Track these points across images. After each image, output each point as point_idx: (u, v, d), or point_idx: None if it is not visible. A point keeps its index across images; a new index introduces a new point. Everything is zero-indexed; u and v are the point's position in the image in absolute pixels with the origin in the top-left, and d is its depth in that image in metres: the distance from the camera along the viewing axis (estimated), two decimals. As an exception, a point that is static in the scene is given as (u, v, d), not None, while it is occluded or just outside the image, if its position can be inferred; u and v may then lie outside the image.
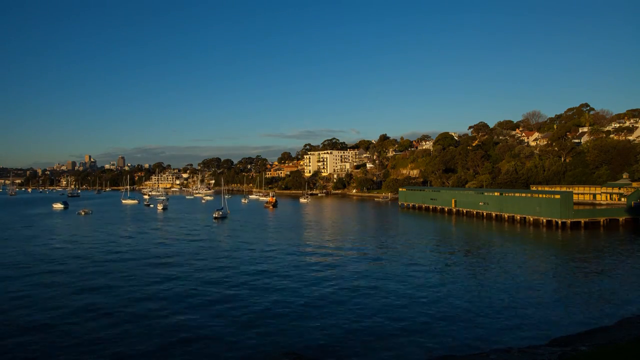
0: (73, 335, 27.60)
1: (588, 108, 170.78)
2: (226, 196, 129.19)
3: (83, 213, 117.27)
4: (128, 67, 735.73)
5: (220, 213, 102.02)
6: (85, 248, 61.49)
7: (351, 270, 46.16)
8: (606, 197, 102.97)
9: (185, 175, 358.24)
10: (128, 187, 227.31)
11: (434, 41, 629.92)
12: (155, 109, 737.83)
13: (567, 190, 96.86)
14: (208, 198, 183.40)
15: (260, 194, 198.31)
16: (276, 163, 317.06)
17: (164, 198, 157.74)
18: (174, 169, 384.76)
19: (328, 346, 26.12)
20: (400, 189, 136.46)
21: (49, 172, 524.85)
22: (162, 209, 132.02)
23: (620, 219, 79.69)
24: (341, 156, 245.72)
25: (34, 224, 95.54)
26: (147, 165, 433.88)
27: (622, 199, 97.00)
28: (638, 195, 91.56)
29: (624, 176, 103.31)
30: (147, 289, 38.82)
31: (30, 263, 50.88)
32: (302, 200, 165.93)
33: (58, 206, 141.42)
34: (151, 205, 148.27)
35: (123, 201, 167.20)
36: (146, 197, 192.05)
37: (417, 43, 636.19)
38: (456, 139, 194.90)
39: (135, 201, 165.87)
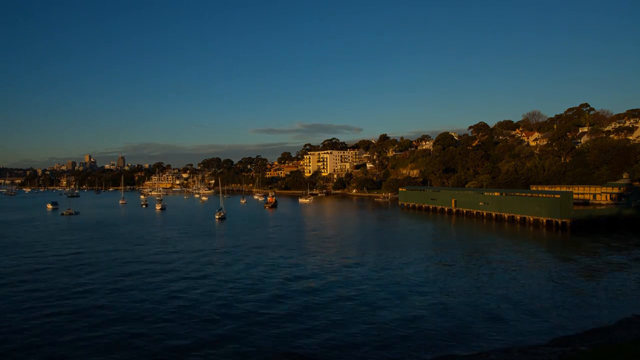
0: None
1: (588, 108, 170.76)
2: (225, 196, 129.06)
3: (66, 214, 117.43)
4: (124, 66, 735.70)
5: (222, 214, 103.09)
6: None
7: (353, 274, 46.18)
8: (606, 197, 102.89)
9: (185, 175, 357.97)
10: (122, 187, 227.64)
11: (434, 41, 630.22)
12: (150, 106, 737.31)
13: (567, 190, 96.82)
14: (204, 198, 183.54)
15: (260, 194, 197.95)
16: (276, 163, 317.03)
17: (160, 198, 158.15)
18: (174, 169, 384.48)
19: (328, 346, 26.14)
20: (400, 189, 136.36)
21: (49, 172, 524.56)
22: (161, 209, 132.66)
23: (620, 219, 79.58)
24: (341, 156, 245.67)
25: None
26: (147, 165, 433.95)
27: (622, 199, 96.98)
28: (638, 196, 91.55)
29: (624, 176, 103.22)
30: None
31: None
32: (301, 200, 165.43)
33: (50, 207, 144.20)
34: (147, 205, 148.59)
35: (120, 201, 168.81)
36: (142, 197, 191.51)
37: (417, 42, 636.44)
38: (456, 139, 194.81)
39: (124, 201, 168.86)
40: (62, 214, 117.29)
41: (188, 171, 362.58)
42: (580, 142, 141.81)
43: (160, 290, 39.05)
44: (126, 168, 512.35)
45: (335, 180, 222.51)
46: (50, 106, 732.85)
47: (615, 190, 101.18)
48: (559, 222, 77.27)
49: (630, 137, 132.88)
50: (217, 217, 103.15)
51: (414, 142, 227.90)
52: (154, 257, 55.47)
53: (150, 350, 25.57)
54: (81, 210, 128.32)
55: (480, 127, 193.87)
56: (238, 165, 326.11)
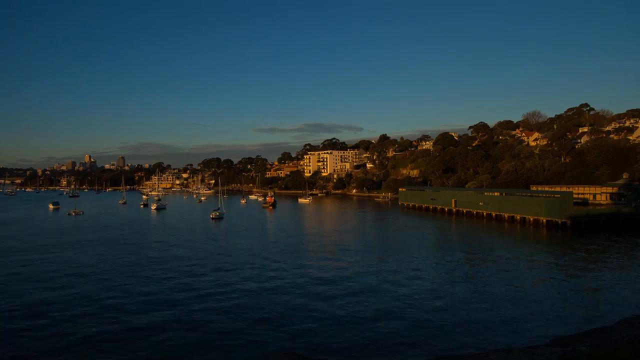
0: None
1: (588, 108, 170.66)
2: (225, 196, 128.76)
3: (74, 214, 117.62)
4: (124, 65, 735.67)
5: (217, 214, 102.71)
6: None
7: (353, 274, 46.17)
8: (606, 197, 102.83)
9: (185, 175, 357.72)
10: (123, 187, 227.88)
11: (434, 41, 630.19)
12: (150, 106, 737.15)
13: (567, 190, 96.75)
14: (203, 198, 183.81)
15: (259, 194, 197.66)
16: (276, 163, 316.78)
17: (158, 198, 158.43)
18: (174, 169, 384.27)
19: (328, 347, 26.13)
20: (400, 189, 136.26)
21: (49, 172, 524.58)
22: (156, 209, 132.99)
23: (620, 219, 79.52)
24: (341, 156, 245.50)
25: None
26: (147, 165, 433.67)
27: (622, 199, 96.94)
28: (638, 196, 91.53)
29: (624, 176, 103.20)
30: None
31: None
32: (301, 200, 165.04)
33: (51, 207, 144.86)
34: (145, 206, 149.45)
35: (119, 201, 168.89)
36: (144, 197, 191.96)
37: (417, 43, 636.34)
38: (456, 139, 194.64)
39: (124, 201, 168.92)
40: (70, 214, 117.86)
41: (188, 171, 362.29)
42: (580, 142, 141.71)
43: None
44: (126, 168, 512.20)
45: (335, 180, 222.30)
46: (48, 105, 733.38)
47: (615, 190, 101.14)
48: (559, 222, 77.23)
49: (630, 137, 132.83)
50: (211, 216, 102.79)
51: (414, 142, 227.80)
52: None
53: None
54: (84, 211, 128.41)
55: (480, 127, 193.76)
56: (238, 165, 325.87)
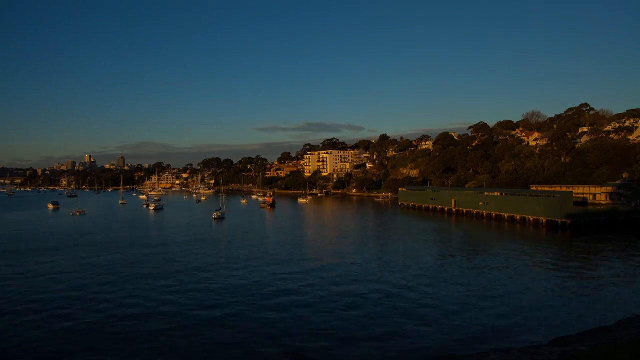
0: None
1: (588, 108, 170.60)
2: (224, 196, 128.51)
3: (78, 213, 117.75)
4: (124, 65, 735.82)
5: (219, 214, 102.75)
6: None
7: (354, 272, 46.17)
8: (606, 197, 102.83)
9: (185, 175, 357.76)
10: (122, 187, 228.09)
11: (435, 41, 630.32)
12: (151, 105, 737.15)
13: (567, 190, 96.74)
14: (203, 198, 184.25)
15: (260, 194, 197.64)
16: (276, 163, 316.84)
17: (158, 199, 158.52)
18: (174, 169, 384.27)
19: (328, 345, 26.13)
20: (400, 189, 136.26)
21: (49, 172, 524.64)
22: (155, 209, 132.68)
23: (620, 219, 79.50)
24: (341, 156, 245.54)
25: None
26: (147, 165, 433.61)
27: (622, 199, 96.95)
28: (638, 196, 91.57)
29: (624, 176, 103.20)
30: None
31: None
32: (300, 200, 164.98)
33: (51, 207, 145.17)
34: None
35: (120, 201, 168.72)
36: (144, 197, 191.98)
37: (418, 43, 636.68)
38: (456, 139, 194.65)
39: (124, 201, 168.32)
40: (74, 214, 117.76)
41: (188, 171, 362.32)
42: (580, 142, 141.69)
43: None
44: (126, 168, 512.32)
45: (335, 180, 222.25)
46: (47, 105, 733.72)
47: (615, 190, 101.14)
48: (559, 222, 77.22)
49: (630, 137, 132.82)
50: (213, 217, 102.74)
51: (414, 142, 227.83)
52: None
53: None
54: (86, 211, 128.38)
55: (480, 127, 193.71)
56: (238, 165, 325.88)
